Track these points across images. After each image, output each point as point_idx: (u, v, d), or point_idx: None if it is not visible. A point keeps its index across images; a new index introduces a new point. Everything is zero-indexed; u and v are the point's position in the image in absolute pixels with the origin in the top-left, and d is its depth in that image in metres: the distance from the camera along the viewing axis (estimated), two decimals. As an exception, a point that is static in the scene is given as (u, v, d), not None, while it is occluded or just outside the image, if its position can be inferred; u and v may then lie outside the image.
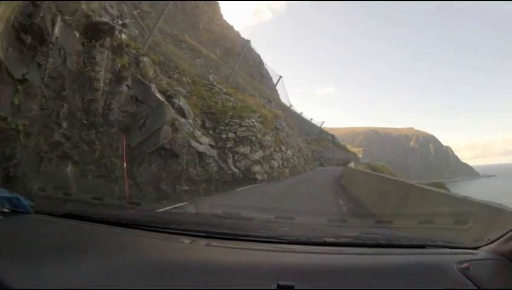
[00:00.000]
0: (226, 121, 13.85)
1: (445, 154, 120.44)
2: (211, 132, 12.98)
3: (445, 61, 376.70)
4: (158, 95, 10.07)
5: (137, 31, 12.96)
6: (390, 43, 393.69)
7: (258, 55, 33.09)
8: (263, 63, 33.49)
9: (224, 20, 34.86)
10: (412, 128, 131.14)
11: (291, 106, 32.33)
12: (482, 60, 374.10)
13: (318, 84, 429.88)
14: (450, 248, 1.36)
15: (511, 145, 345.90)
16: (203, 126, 12.71)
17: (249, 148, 13.76)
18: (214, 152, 11.90)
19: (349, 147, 51.29)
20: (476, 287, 1.02)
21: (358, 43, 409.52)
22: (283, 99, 32.09)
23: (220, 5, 35.90)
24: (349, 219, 3.99)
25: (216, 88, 15.33)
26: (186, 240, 1.30)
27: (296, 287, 0.92)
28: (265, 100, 23.25)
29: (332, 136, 45.50)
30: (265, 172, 14.41)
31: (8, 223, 1.40)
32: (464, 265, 1.10)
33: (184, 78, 13.57)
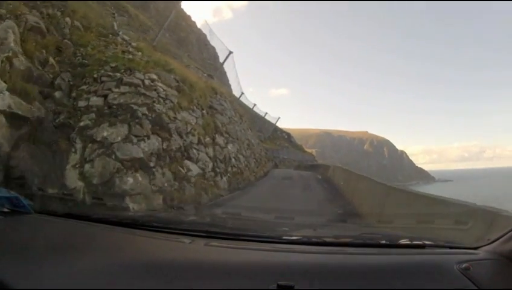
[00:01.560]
0: (95, 76, 7.20)
1: (399, 158, 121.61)
2: (57, 94, 6.72)
3: (402, 68, 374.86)
4: None
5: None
6: (345, 47, 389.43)
7: (214, 48, 29.12)
8: (218, 56, 29.13)
9: (182, 9, 30.95)
10: (367, 132, 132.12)
11: (242, 93, 26.97)
12: (443, 70, 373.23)
13: (273, 84, 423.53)
14: (450, 248, 1.36)
15: (467, 152, 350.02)
16: (51, 84, 6.81)
17: (123, 129, 6.46)
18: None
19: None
20: (476, 287, 1.02)
21: (312, 47, 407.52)
22: (233, 86, 27.08)
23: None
24: (349, 219, 3.99)
25: (119, 39, 9.60)
26: (186, 240, 1.30)
27: (296, 287, 0.92)
28: (206, 75, 16.60)
29: (288, 134, 41.78)
30: (159, 190, 6.46)
31: (8, 223, 1.40)
32: (464, 265, 1.10)
33: (68, 19, 8.61)
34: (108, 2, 15.35)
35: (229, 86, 27.57)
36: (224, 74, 27.74)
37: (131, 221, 1.58)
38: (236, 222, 1.98)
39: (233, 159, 11.13)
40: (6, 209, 1.45)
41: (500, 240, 1.27)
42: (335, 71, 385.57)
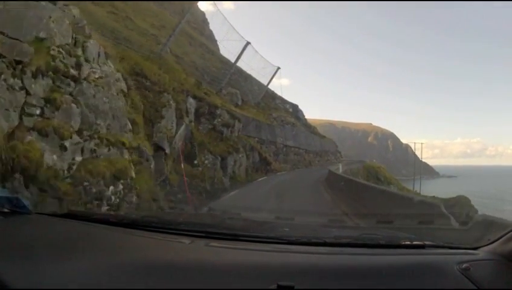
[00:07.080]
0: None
1: (404, 152, 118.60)
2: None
3: (408, 60, 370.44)
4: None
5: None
6: (352, 34, 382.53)
7: (203, 13, 25.77)
8: (208, 23, 25.40)
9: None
10: (371, 124, 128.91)
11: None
12: (447, 65, 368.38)
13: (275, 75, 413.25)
14: (450, 248, 1.37)
15: (470, 149, 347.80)
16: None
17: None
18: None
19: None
20: (475, 288, 1.02)
21: (317, 34, 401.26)
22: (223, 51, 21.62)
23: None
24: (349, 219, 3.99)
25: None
26: (186, 240, 1.30)
27: (296, 288, 0.92)
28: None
29: (295, 106, 27.30)
30: None
31: (8, 223, 1.39)
32: (464, 265, 1.10)
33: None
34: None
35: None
36: (215, 41, 24.59)
37: (131, 221, 1.58)
38: (236, 222, 1.98)
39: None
40: (6, 210, 1.45)
41: (500, 240, 1.27)
42: (340, 60, 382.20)
